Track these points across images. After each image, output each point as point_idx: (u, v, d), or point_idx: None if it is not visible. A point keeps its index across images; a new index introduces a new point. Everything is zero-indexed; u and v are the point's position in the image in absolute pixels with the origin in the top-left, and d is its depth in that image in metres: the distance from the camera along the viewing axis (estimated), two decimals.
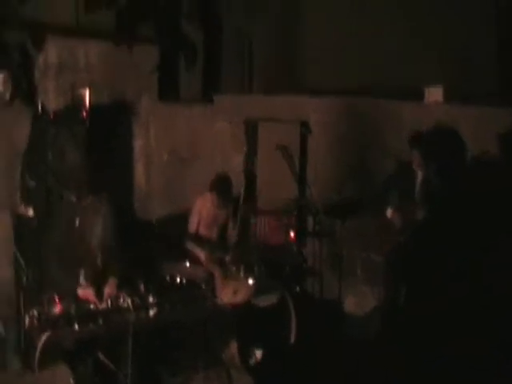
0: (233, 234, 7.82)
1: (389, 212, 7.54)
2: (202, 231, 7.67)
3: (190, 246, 7.51)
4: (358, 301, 8.22)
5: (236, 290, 6.96)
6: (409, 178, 7.42)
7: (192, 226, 7.54)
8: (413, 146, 7.28)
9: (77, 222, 5.96)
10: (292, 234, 8.18)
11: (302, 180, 8.59)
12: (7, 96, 3.61)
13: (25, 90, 3.67)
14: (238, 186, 8.78)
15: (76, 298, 5.60)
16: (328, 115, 8.71)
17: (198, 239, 7.55)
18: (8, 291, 6.84)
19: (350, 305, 8.20)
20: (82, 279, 5.78)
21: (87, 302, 5.62)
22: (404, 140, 7.33)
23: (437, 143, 5.04)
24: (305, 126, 8.69)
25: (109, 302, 5.65)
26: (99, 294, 5.75)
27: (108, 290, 5.80)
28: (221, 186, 7.45)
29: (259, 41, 10.57)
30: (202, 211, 7.60)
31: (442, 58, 9.83)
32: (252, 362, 6.69)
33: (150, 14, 3.66)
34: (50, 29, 6.85)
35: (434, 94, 8.60)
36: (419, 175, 7.33)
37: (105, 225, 5.99)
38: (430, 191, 6.84)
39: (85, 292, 5.68)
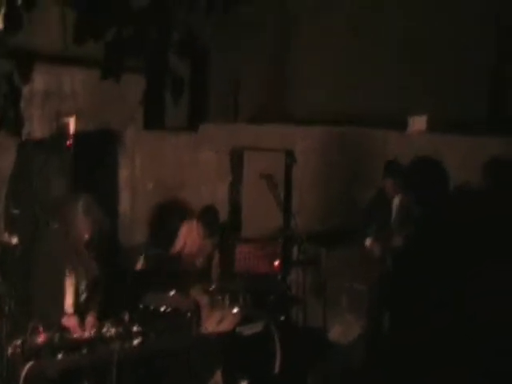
0: (217, 264, 7.84)
1: (368, 242, 7.58)
2: (187, 259, 7.68)
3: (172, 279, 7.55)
4: (343, 330, 8.21)
5: (221, 318, 6.94)
6: (385, 206, 7.47)
7: (175, 250, 7.60)
8: (386, 175, 7.36)
9: (61, 247, 5.90)
10: (276, 263, 8.19)
11: (286, 209, 8.60)
12: None
13: (11, 119, 3.65)
14: (223, 214, 8.81)
15: (60, 327, 5.55)
16: (313, 144, 8.76)
17: (183, 270, 7.57)
18: None
19: (335, 334, 8.19)
20: (67, 307, 5.73)
21: (70, 330, 5.57)
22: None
23: (417, 172, 5.09)
24: (290, 155, 8.71)
25: (92, 332, 5.61)
26: (83, 323, 5.71)
27: (89, 318, 5.77)
28: (207, 217, 7.53)
29: (246, 70, 10.63)
30: (187, 239, 7.65)
31: (429, 87, 9.91)
32: None
33: (139, 47, 3.67)
34: (36, 56, 6.86)
35: (418, 123, 8.66)
36: (394, 202, 7.37)
37: (86, 211, 5.80)
38: (408, 219, 6.91)
39: (68, 320, 5.65)
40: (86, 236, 5.78)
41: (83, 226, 5.72)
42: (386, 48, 10.25)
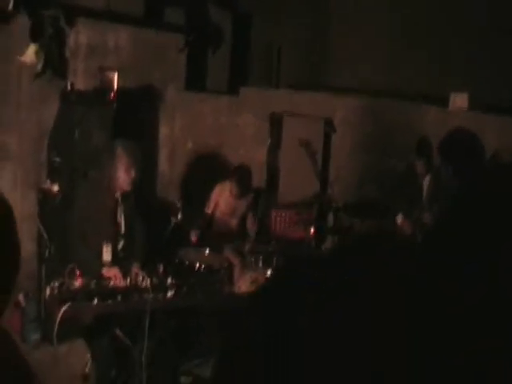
0: (253, 225, 7.85)
1: (399, 219, 7.53)
2: (221, 220, 7.72)
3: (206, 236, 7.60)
4: None
5: (254, 279, 6.96)
6: (416, 183, 7.41)
7: (207, 211, 7.63)
8: (418, 154, 7.28)
9: (102, 201, 5.95)
10: (311, 230, 8.19)
11: (323, 177, 8.61)
12: (39, 67, 3.63)
13: (56, 63, 3.68)
14: (261, 178, 8.83)
15: (98, 274, 5.60)
16: (353, 115, 8.73)
17: (218, 229, 7.61)
18: (32, 266, 6.88)
19: None
20: (106, 257, 5.77)
21: (110, 280, 5.61)
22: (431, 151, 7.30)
23: (455, 145, 5.06)
24: (329, 123, 8.71)
25: (128, 281, 5.66)
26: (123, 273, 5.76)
27: (135, 269, 5.81)
28: (240, 175, 7.51)
29: (288, 38, 10.59)
30: (220, 199, 7.68)
31: (473, 65, 9.82)
32: None
33: (179, 1, 3.68)
34: (81, 10, 6.89)
35: (459, 100, 8.59)
36: (426, 179, 7.31)
37: (124, 159, 5.83)
38: (440, 196, 6.86)
39: (110, 271, 5.69)
40: (126, 185, 5.82)
41: (125, 168, 5.75)
42: (430, 23, 10.16)
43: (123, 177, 5.77)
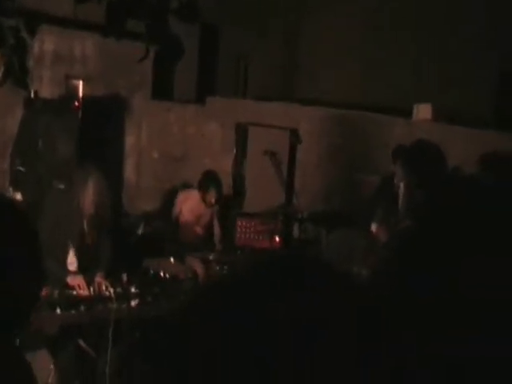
0: (218, 234, 7.85)
1: (373, 227, 7.57)
2: (185, 229, 7.70)
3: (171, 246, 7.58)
4: None
5: None
6: (392, 193, 7.46)
7: (172, 218, 7.64)
8: (395, 160, 7.35)
9: (68, 213, 5.90)
10: (277, 239, 8.21)
11: (289, 187, 8.64)
12: None
13: (17, 72, 3.67)
14: (226, 188, 8.83)
15: (65, 285, 5.56)
16: (318, 125, 8.78)
17: (182, 238, 7.60)
18: None
19: None
20: (71, 267, 5.75)
21: (74, 289, 5.57)
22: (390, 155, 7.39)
23: (419, 157, 5.12)
24: (295, 134, 8.75)
25: (91, 290, 5.63)
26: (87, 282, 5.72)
27: (98, 279, 5.77)
28: (209, 183, 7.49)
29: (256, 47, 10.63)
30: (183, 207, 7.66)
31: (436, 77, 9.94)
32: None
33: (139, 10, 3.69)
34: (46, 18, 6.87)
35: (423, 111, 8.68)
36: (401, 189, 7.36)
37: (96, 190, 5.81)
38: (411, 204, 6.92)
39: (75, 280, 5.65)
40: (91, 210, 5.80)
41: (90, 202, 5.74)
42: (397, 35, 10.28)
43: (89, 202, 5.76)
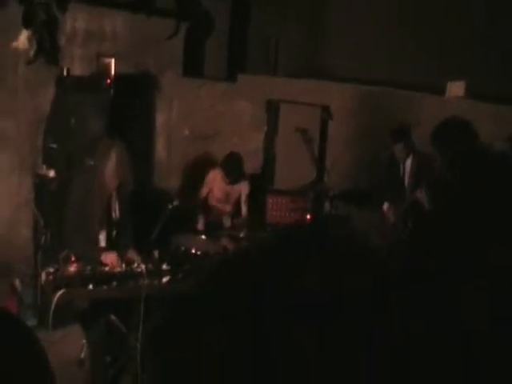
0: (245, 212, 7.89)
1: (385, 206, 7.55)
2: (216, 206, 7.77)
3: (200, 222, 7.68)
4: None
5: None
6: (397, 170, 7.44)
7: (201, 196, 7.71)
8: (396, 139, 7.31)
9: (97, 189, 5.95)
10: (308, 217, 8.21)
11: (320, 164, 8.63)
12: (31, 53, 3.63)
13: (49, 49, 3.68)
14: (257, 164, 8.84)
15: (94, 260, 5.62)
16: (350, 103, 8.74)
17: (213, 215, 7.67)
18: (27, 251, 6.90)
19: None
20: (102, 243, 5.80)
21: (107, 265, 5.63)
22: (423, 133, 7.33)
23: (452, 134, 5.07)
24: (326, 111, 8.73)
25: (123, 266, 5.68)
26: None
27: (130, 255, 5.83)
28: (228, 164, 7.60)
29: (286, 26, 10.60)
30: (213, 185, 7.76)
31: (470, 54, 9.81)
32: None
33: None
34: None
35: (456, 88, 8.58)
36: (406, 164, 7.33)
37: (119, 161, 5.84)
38: (423, 180, 6.90)
39: (108, 257, 5.71)
40: (114, 184, 5.84)
41: (112, 175, 5.78)
42: (427, 12, 10.16)
43: (112, 174, 5.80)
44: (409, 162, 7.31)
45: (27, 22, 3.79)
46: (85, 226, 5.79)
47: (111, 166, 5.77)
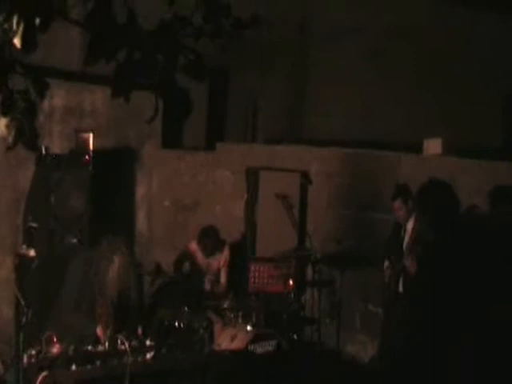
0: (224, 282, 7.93)
1: (385, 264, 7.57)
2: (197, 277, 7.82)
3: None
4: (357, 351, 8.21)
5: (234, 336, 6.98)
6: (399, 233, 7.48)
7: (182, 255, 7.79)
8: (396, 195, 7.37)
9: (83, 268, 5.95)
10: (291, 283, 8.20)
11: (301, 229, 8.65)
12: (10, 140, 3.68)
13: (27, 134, 3.73)
14: (239, 233, 8.86)
15: (92, 337, 5.64)
16: (328, 166, 8.80)
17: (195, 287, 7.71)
18: (8, 331, 6.86)
19: (349, 355, 8.20)
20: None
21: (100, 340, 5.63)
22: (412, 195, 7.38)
23: (431, 197, 5.12)
24: (305, 176, 8.79)
25: (106, 345, 5.64)
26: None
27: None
28: (204, 240, 7.70)
29: (264, 92, 10.72)
30: (194, 257, 7.82)
31: (445, 112, 9.96)
32: None
33: (148, 69, 3.74)
34: (56, 73, 6.98)
35: (433, 146, 8.64)
36: (408, 226, 7.37)
37: (122, 273, 5.91)
38: (418, 243, 6.94)
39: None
40: (114, 292, 5.88)
41: (113, 283, 5.83)
42: (402, 73, 10.33)
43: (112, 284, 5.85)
44: (410, 224, 7.34)
45: (5, 110, 3.83)
46: (82, 305, 5.81)
47: (113, 271, 5.81)
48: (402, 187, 7.45)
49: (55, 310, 6.03)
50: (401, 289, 7.25)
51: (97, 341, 5.68)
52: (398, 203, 7.34)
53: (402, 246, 7.39)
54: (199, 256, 7.79)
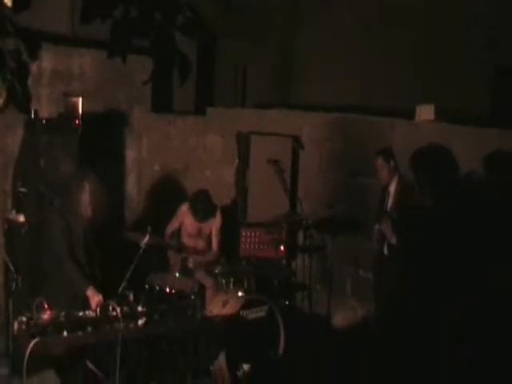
0: (215, 247, 7.85)
1: (376, 228, 7.55)
2: (187, 241, 7.73)
3: (171, 254, 7.65)
4: (347, 315, 8.22)
5: (225, 301, 6.96)
6: (383, 194, 7.48)
7: (169, 230, 7.67)
8: (377, 153, 7.34)
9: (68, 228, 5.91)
10: (282, 248, 8.19)
11: (292, 194, 8.62)
12: (1, 102, 3.58)
13: (19, 97, 3.63)
14: (229, 198, 8.81)
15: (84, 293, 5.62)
16: (320, 131, 8.74)
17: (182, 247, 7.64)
18: None
19: (339, 320, 8.21)
20: None
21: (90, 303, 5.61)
22: (395, 158, 7.37)
23: (429, 161, 5.08)
24: (296, 140, 8.74)
25: (98, 311, 5.59)
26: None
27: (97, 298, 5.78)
28: (196, 203, 7.58)
29: (254, 56, 10.62)
30: (184, 220, 7.72)
31: (436, 78, 9.89)
32: (240, 374, 6.66)
33: (145, 27, 3.63)
34: (44, 36, 6.84)
35: (426, 112, 8.59)
36: (391, 187, 7.35)
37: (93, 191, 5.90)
38: (404, 205, 6.94)
39: (94, 296, 5.71)
40: (89, 213, 5.83)
41: (87, 203, 5.79)
42: (395, 39, 10.23)
43: (85, 206, 5.81)
44: (393, 186, 7.32)
45: None
46: (69, 260, 5.77)
47: (85, 196, 5.78)
48: (386, 148, 7.46)
49: (44, 275, 5.98)
50: (386, 252, 7.25)
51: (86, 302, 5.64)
52: (380, 161, 7.34)
53: (386, 209, 7.38)
54: (190, 220, 7.70)
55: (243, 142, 8.54)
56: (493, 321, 4.39)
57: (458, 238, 4.58)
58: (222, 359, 6.64)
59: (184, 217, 7.74)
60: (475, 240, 4.55)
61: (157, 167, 8.79)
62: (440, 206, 4.94)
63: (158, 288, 6.71)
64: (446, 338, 4.45)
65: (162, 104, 8.94)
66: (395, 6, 10.21)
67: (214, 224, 7.78)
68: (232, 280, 7.25)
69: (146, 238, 6.60)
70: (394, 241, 7.12)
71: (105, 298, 5.75)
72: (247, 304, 6.97)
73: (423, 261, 5.05)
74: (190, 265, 7.50)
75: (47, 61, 7.66)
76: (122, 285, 6.10)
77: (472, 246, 4.54)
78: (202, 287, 7.31)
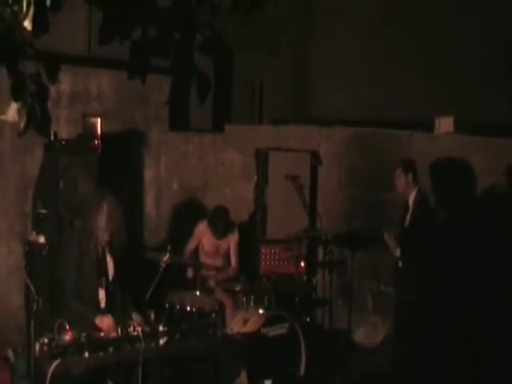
0: (234, 265, 7.85)
1: (385, 235, 7.49)
2: (205, 259, 7.73)
3: (190, 272, 7.65)
4: (369, 331, 8.18)
5: (246, 319, 6.95)
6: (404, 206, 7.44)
7: (188, 249, 7.67)
8: (404, 168, 7.30)
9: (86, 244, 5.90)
10: (302, 264, 8.17)
11: (312, 210, 8.60)
12: (21, 125, 3.61)
13: (38, 119, 3.67)
14: (248, 214, 8.81)
15: (90, 326, 5.56)
16: (338, 146, 8.74)
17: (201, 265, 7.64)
18: (19, 319, 6.84)
19: (360, 335, 8.17)
20: (102, 304, 5.77)
21: (102, 330, 5.56)
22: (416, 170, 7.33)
23: (447, 174, 5.08)
24: (315, 156, 8.74)
25: (119, 330, 5.59)
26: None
27: (136, 320, 5.77)
28: (215, 220, 7.58)
29: (270, 73, 10.63)
30: (203, 238, 7.72)
31: (454, 89, 9.85)
32: None
33: (164, 47, 3.65)
34: (62, 58, 6.89)
35: (445, 124, 8.55)
36: (411, 196, 7.31)
37: (111, 212, 5.83)
38: (422, 216, 6.92)
39: (103, 320, 5.65)
40: (106, 237, 5.80)
41: (104, 227, 5.77)
42: (412, 49, 10.21)
43: (103, 229, 5.78)
44: (411, 199, 7.28)
45: (17, 94, 3.77)
46: (82, 290, 5.75)
47: (103, 217, 5.76)
48: (408, 159, 7.42)
49: (63, 297, 5.97)
50: (400, 265, 7.21)
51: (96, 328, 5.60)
52: (398, 171, 7.30)
53: (405, 222, 7.35)
54: (208, 238, 7.69)
55: (262, 159, 8.54)
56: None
57: (472, 252, 4.58)
58: (243, 377, 6.64)
59: (202, 235, 7.74)
60: (492, 254, 4.55)
61: (175, 185, 8.82)
62: (456, 220, 4.95)
63: (178, 307, 6.70)
64: (463, 352, 4.45)
65: (179, 122, 8.98)
66: (411, 17, 10.20)
67: (232, 240, 7.78)
68: (252, 297, 7.24)
69: (166, 257, 6.62)
70: (398, 253, 7.12)
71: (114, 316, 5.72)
72: (268, 321, 6.96)
73: (438, 273, 5.04)
74: (210, 283, 7.51)
75: (65, 82, 7.73)
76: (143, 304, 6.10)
77: (489, 259, 4.54)
78: (222, 305, 7.30)
